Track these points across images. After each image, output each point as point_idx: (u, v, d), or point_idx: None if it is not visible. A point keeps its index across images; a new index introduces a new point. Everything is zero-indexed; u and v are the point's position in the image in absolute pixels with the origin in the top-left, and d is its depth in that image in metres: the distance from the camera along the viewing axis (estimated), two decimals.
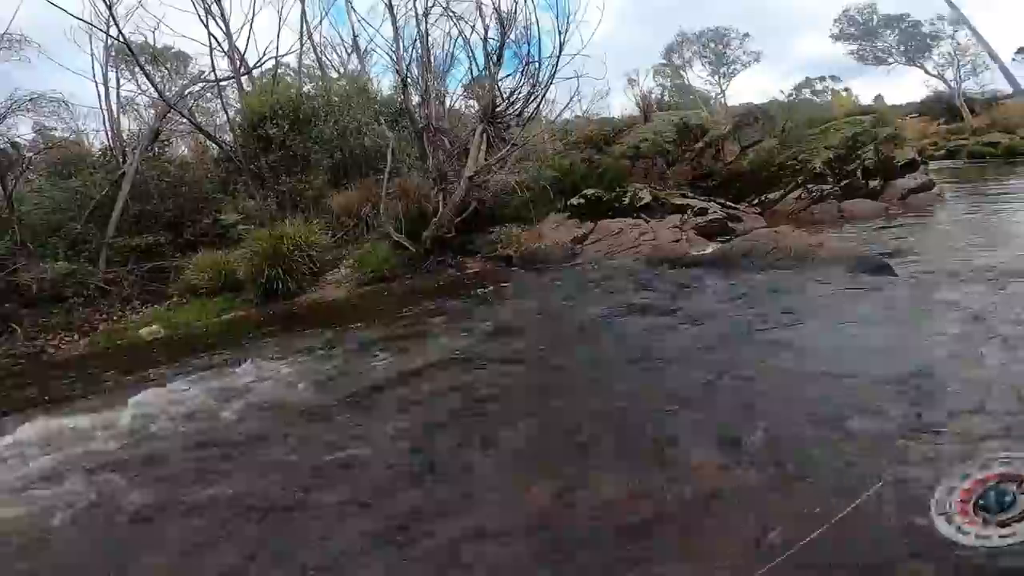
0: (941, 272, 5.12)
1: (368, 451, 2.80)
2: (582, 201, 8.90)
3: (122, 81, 15.76)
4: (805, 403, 2.72)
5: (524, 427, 2.88)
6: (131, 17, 13.41)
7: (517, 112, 9.68)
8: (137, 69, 13.43)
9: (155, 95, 12.17)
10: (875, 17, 38.29)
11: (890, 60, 38.52)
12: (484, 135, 9.18)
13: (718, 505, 2.03)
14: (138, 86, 16.00)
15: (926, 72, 37.34)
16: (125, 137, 12.95)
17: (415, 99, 10.23)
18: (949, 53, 36.06)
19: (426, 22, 9.55)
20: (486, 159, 8.97)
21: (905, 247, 6.69)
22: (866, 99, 37.01)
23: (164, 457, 2.99)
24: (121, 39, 10.60)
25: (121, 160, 11.12)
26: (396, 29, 10.39)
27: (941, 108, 36.46)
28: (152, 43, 14.08)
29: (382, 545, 2.05)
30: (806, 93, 38.15)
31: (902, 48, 37.51)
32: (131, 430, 3.40)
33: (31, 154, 11.84)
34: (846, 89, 40.25)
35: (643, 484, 2.19)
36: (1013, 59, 37.88)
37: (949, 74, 36.32)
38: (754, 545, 1.80)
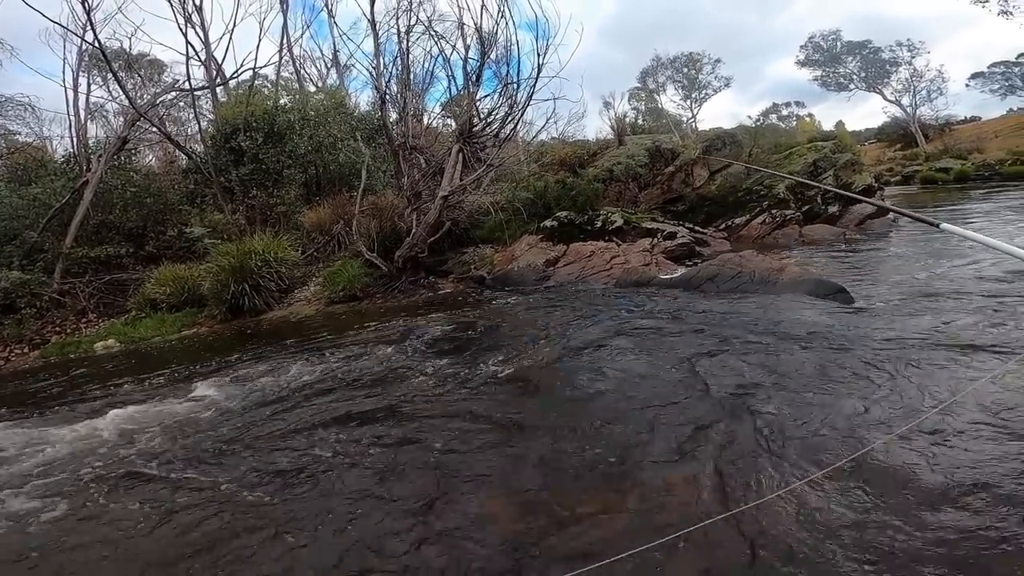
0: (891, 296, 5.38)
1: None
2: (555, 223, 9.03)
3: (92, 87, 15.40)
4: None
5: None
6: (109, 22, 13.20)
7: (494, 132, 9.79)
8: (109, 75, 13.16)
9: (125, 102, 11.92)
10: (839, 44, 40.33)
11: (851, 86, 40.61)
12: (460, 155, 9.25)
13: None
14: (109, 92, 15.67)
15: (884, 98, 39.47)
16: (91, 144, 12.60)
17: (393, 116, 10.26)
18: (907, 79, 38.24)
19: (408, 39, 9.62)
20: (461, 179, 9.03)
21: (861, 272, 7.00)
22: (828, 124, 38.87)
23: None
24: (96, 44, 10.39)
25: (85, 167, 10.80)
26: (377, 45, 10.43)
27: (898, 134, 38.55)
28: (127, 49, 13.83)
29: None
30: (773, 118, 39.78)
31: (863, 74, 39.59)
32: None
33: None
34: (809, 115, 42.19)
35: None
36: (967, 84, 40.49)
37: (906, 100, 38.47)
38: None
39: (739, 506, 2.09)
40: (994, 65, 38.90)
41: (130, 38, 14.71)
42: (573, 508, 2.28)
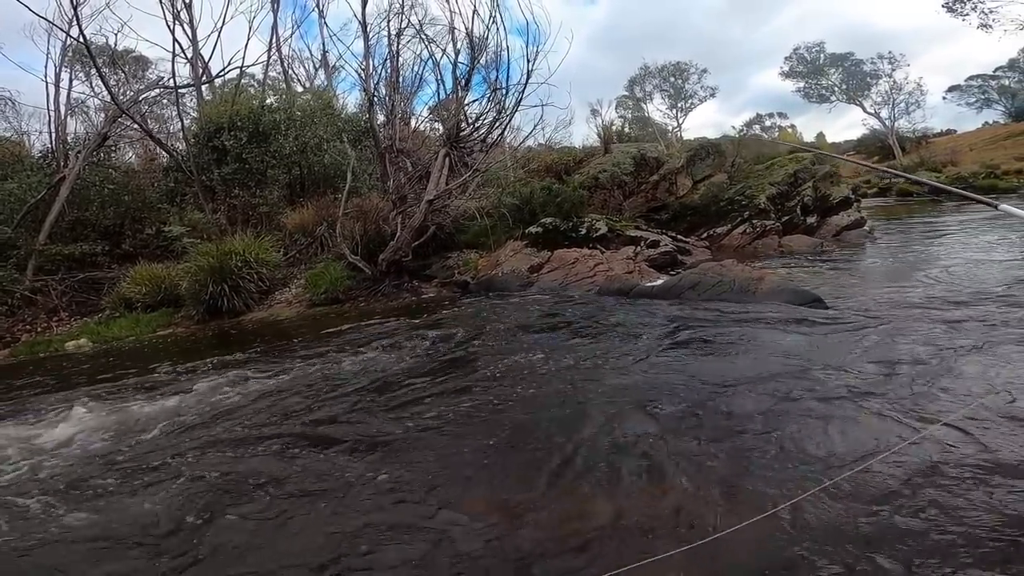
0: (864, 306, 5.52)
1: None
2: (540, 230, 9.08)
3: (75, 82, 15.11)
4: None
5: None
6: (95, 18, 12.97)
7: (482, 137, 9.83)
8: (92, 71, 12.93)
9: (108, 98, 11.70)
10: (822, 55, 41.27)
11: (832, 98, 41.56)
12: (447, 159, 9.26)
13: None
14: (91, 88, 15.38)
15: (864, 110, 40.49)
16: (70, 139, 12.34)
17: (380, 118, 10.24)
18: (886, 92, 39.29)
19: (398, 42, 9.63)
20: (447, 183, 9.04)
21: (836, 281, 7.17)
22: (809, 136, 39.75)
23: None
24: (82, 39, 10.22)
25: (62, 163, 10.58)
26: (367, 47, 10.42)
27: (876, 146, 39.55)
28: (113, 45, 13.60)
29: None
30: (756, 128, 40.52)
31: (844, 86, 40.57)
32: None
33: None
34: (792, 126, 43.11)
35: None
36: (944, 97, 41.76)
37: (884, 112, 39.50)
38: None
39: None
40: (971, 78, 40.23)
41: (116, 34, 14.42)
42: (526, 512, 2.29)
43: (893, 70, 38.69)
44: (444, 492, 2.50)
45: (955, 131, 44.49)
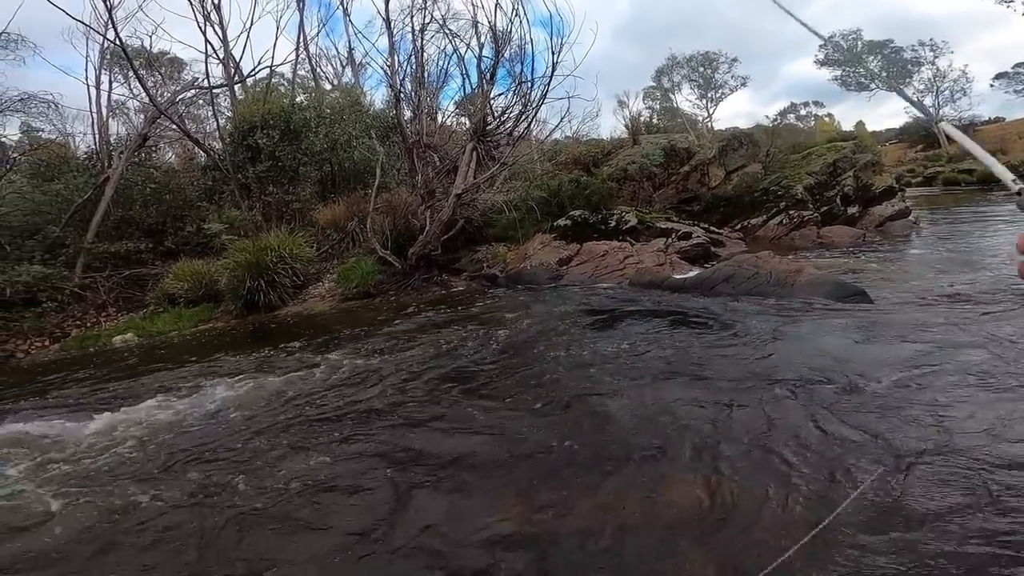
0: (910, 300, 5.26)
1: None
2: (569, 222, 8.98)
3: (114, 84, 15.71)
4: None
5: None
6: (130, 21, 13.46)
7: (508, 131, 9.77)
8: (130, 73, 13.41)
9: (146, 100, 12.13)
10: (859, 43, 39.54)
11: (872, 86, 39.79)
12: (474, 153, 9.25)
13: None
14: (130, 90, 15.95)
15: (906, 99, 38.58)
16: (112, 141, 12.84)
17: (407, 114, 10.29)
18: (929, 79, 37.44)
19: (422, 38, 9.65)
20: (475, 177, 9.03)
21: (881, 275, 6.86)
22: (848, 125, 38.19)
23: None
24: (118, 42, 10.59)
25: (106, 164, 11.01)
26: (392, 43, 10.48)
27: (919, 135, 37.76)
28: (148, 48, 14.08)
29: None
30: (791, 118, 39.15)
31: (884, 74, 38.79)
32: None
33: (16, 155, 11.69)
34: (829, 115, 41.49)
35: None
36: (991, 85, 39.54)
37: (928, 100, 37.58)
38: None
39: None
40: (1019, 66, 37.92)
41: (150, 36, 14.93)
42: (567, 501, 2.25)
43: (936, 57, 36.86)
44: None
45: (1004, 119, 42.05)
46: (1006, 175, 0.47)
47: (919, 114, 37.86)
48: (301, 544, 2.21)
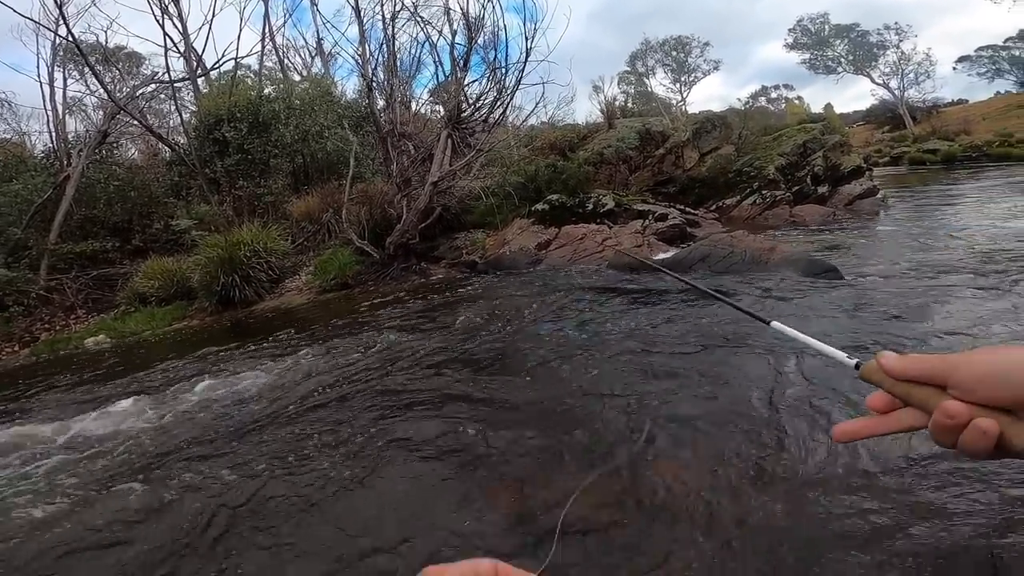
0: (880, 275, 5.42)
1: None
2: (546, 207, 8.99)
3: (69, 81, 15.10)
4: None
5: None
6: (82, 16, 12.91)
7: (483, 117, 9.70)
8: (86, 69, 12.90)
9: (104, 96, 11.68)
10: (827, 27, 40.31)
11: (839, 69, 40.66)
12: (449, 140, 9.16)
13: None
14: (87, 86, 15.37)
15: (872, 81, 39.59)
16: (71, 139, 12.36)
17: (380, 103, 10.13)
18: (894, 62, 38.38)
19: (393, 26, 9.48)
20: (451, 164, 8.96)
21: (851, 251, 7.04)
22: (817, 107, 38.87)
23: None
24: (71, 39, 10.16)
25: (65, 163, 10.61)
26: (362, 32, 10.27)
27: (886, 116, 38.76)
28: (103, 43, 13.53)
29: None
30: (762, 101, 39.75)
31: (851, 57, 39.64)
32: None
33: None
34: (798, 97, 42.21)
35: None
36: (954, 67, 40.77)
37: (894, 83, 38.61)
38: None
39: None
40: (981, 49, 39.16)
41: (106, 31, 14.37)
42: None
43: (900, 41, 37.83)
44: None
45: (967, 101, 43.42)
46: (839, 354, 0.46)
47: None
48: (293, 536, 2.20)
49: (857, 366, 0.44)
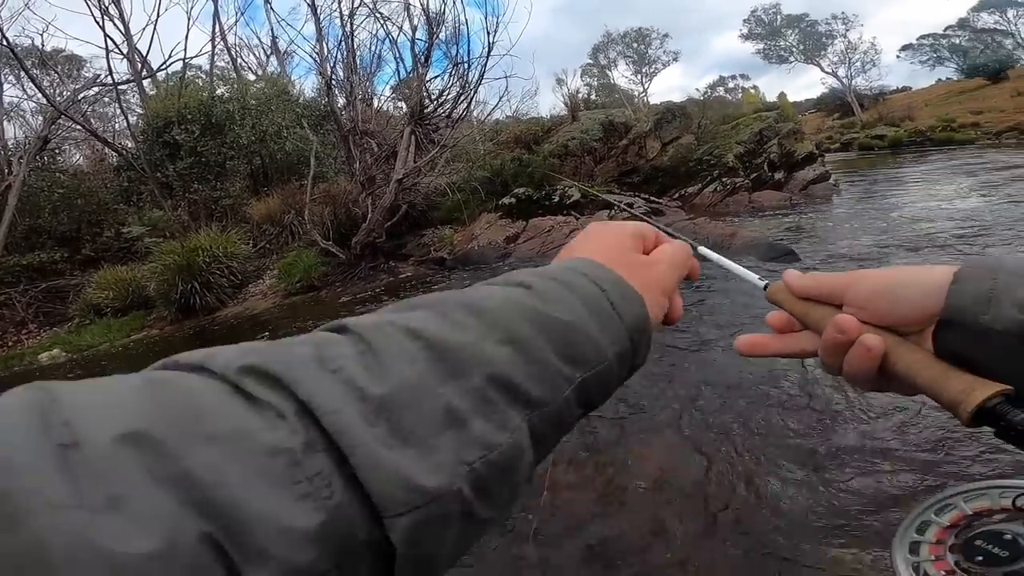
0: (832, 254, 5.69)
1: None
2: (513, 200, 9.01)
3: (5, 86, 14.28)
4: None
5: None
6: (16, 20, 12.17)
7: (446, 113, 9.63)
8: (22, 73, 12.20)
9: (43, 100, 11.06)
10: (779, 17, 41.63)
11: (791, 59, 42.07)
12: (413, 137, 9.06)
13: None
14: (24, 91, 14.56)
15: (822, 70, 41.15)
16: (10, 145, 11.67)
17: (340, 101, 9.92)
18: (842, 51, 39.97)
19: (351, 23, 9.29)
20: (415, 161, 8.87)
21: (807, 234, 7.35)
22: (771, 96, 40.19)
23: None
24: (4, 43, 9.59)
25: (6, 171, 10.02)
26: (320, 30, 10.01)
27: (835, 104, 40.35)
28: (40, 46, 12.82)
29: None
30: (720, 91, 40.81)
31: (801, 47, 41.08)
32: None
33: None
34: (754, 87, 43.54)
35: None
36: (898, 56, 42.74)
37: (842, 71, 40.21)
38: None
39: None
40: (922, 37, 41.17)
41: (42, 34, 13.58)
42: None
43: (847, 30, 39.38)
44: None
45: (910, 88, 45.63)
46: (751, 275, 0.47)
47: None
48: None
49: (766, 287, 0.44)
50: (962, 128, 25.30)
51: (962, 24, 38.85)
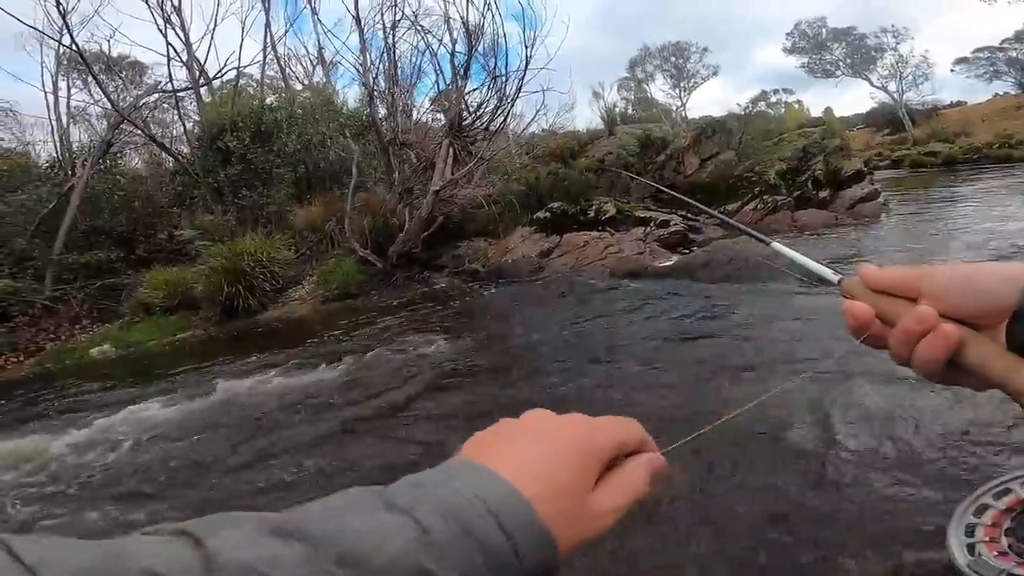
0: None
1: None
2: (548, 215, 9.03)
3: (73, 91, 15.20)
4: None
5: None
6: (86, 26, 13.01)
7: (484, 125, 9.75)
8: (90, 78, 13.00)
9: (108, 105, 11.76)
10: (824, 31, 40.36)
11: (838, 73, 40.66)
12: (451, 149, 9.21)
13: None
14: (90, 96, 15.45)
15: (871, 84, 39.62)
16: (75, 148, 12.44)
17: (382, 112, 10.19)
18: (892, 65, 38.38)
19: (393, 35, 9.56)
20: (453, 173, 9.01)
21: (852, 255, 7.07)
22: (816, 111, 38.82)
23: None
24: (74, 48, 10.25)
25: (70, 172, 10.68)
26: (363, 41, 10.35)
27: (885, 119, 38.76)
28: (107, 52, 13.64)
29: None
30: (761, 106, 39.63)
31: (849, 61, 39.67)
32: None
33: None
34: (798, 101, 42.21)
35: None
36: (952, 69, 40.79)
37: (892, 86, 38.58)
38: None
39: None
40: (978, 50, 39.16)
41: (109, 40, 14.40)
42: None
43: (898, 43, 37.80)
44: None
45: (965, 103, 43.39)
46: (825, 271, 0.47)
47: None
48: None
49: (839, 282, 0.44)
50: (1021, 144, 23.90)
51: (1019, 37, 36.75)
